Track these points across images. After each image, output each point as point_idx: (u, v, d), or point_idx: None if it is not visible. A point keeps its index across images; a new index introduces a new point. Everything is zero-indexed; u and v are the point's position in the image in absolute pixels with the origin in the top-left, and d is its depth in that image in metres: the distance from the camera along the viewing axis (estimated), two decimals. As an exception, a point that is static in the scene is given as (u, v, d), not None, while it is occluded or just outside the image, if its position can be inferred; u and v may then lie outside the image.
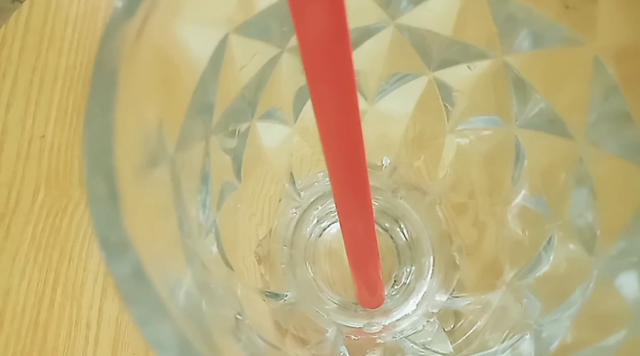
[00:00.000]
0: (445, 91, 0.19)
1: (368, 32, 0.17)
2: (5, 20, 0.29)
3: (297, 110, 0.19)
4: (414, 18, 0.17)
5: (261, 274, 0.21)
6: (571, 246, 0.15)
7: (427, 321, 0.20)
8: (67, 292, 0.24)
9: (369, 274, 0.18)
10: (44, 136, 0.27)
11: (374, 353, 0.20)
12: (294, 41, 0.15)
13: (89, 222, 0.25)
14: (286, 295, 0.20)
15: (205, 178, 0.14)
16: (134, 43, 0.09)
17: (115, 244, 0.07)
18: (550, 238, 0.16)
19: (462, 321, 0.19)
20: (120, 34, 0.08)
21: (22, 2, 0.30)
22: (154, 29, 0.10)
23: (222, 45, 0.13)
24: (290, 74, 0.16)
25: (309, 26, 0.09)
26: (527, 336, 0.15)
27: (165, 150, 0.10)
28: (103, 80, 0.08)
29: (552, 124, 0.16)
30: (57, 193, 0.26)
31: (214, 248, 0.16)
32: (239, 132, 0.17)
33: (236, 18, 0.13)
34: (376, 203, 0.24)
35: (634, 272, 0.12)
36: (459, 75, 0.18)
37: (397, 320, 0.21)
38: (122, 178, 0.08)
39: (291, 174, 0.22)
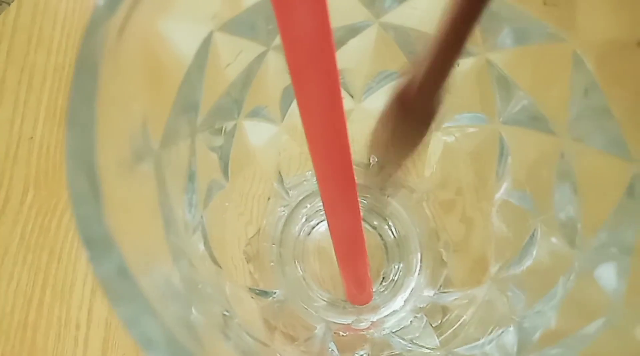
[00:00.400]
0: (430, 89, 0.19)
1: (353, 31, 0.17)
2: (-7, 20, 0.29)
3: (284, 108, 0.19)
4: (399, 16, 0.17)
5: (250, 272, 0.21)
6: (554, 240, 0.15)
7: (415, 317, 0.20)
8: (57, 293, 0.24)
9: (357, 271, 0.19)
10: (32, 138, 0.27)
11: (362, 350, 0.20)
12: (279, 39, 0.16)
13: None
14: (275, 293, 0.21)
15: (191, 176, 0.14)
16: (116, 39, 0.09)
17: (98, 243, 0.07)
18: (533, 233, 0.16)
19: (448, 316, 0.19)
20: (102, 29, 0.08)
21: (9, 4, 0.30)
22: (138, 25, 0.10)
23: (207, 42, 0.13)
24: (277, 72, 0.16)
25: (292, 25, 0.10)
26: (511, 328, 0.15)
27: (150, 147, 0.10)
28: (84, 76, 0.08)
29: (534, 120, 0.16)
30: (46, 193, 0.26)
31: (201, 246, 0.16)
32: (225, 130, 0.17)
33: (222, 15, 0.13)
34: (364, 202, 0.24)
35: (613, 263, 0.12)
36: (444, 73, 0.18)
37: (385, 316, 0.21)
38: (105, 175, 0.08)
39: (279, 173, 0.22)
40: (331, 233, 0.16)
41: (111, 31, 0.09)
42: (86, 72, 0.08)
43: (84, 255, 0.25)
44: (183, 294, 0.10)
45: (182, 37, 0.12)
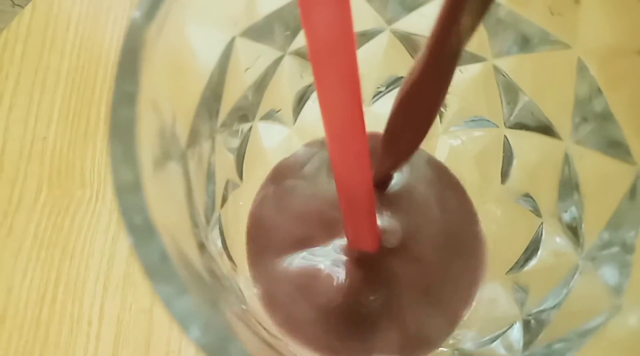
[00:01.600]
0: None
1: (365, 37, 0.18)
2: (6, 23, 0.30)
3: (297, 111, 0.20)
4: (409, 23, 0.17)
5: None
6: (558, 240, 0.16)
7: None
8: (69, 290, 0.25)
9: (361, 214, 0.18)
10: (45, 138, 0.28)
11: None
12: (295, 44, 0.16)
13: (90, 221, 0.26)
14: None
15: (211, 176, 0.15)
16: (152, 45, 0.10)
17: (142, 230, 0.08)
18: (538, 233, 0.17)
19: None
20: (140, 37, 0.09)
21: (23, 7, 0.31)
22: (170, 32, 0.10)
23: (230, 47, 0.13)
24: (291, 76, 0.17)
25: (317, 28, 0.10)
26: (517, 325, 0.15)
27: (178, 146, 0.11)
28: (126, 79, 0.09)
29: (539, 124, 0.17)
30: (59, 192, 0.27)
31: (219, 243, 0.17)
32: (242, 131, 0.17)
33: (243, 22, 0.13)
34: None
35: (616, 261, 0.13)
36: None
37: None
38: (143, 169, 0.09)
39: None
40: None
41: (149, 38, 0.09)
42: (128, 75, 0.09)
43: (96, 253, 0.25)
44: (209, 284, 0.11)
45: (207, 42, 0.12)
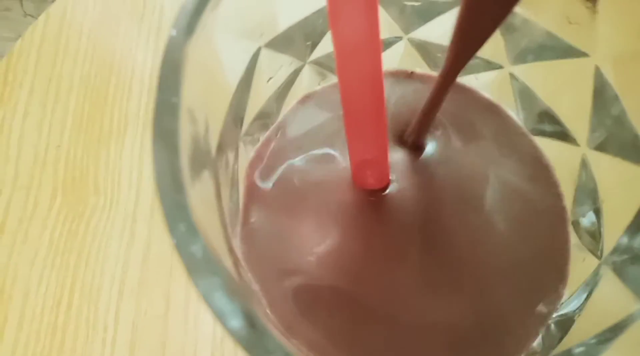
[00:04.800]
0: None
1: (382, 45, 0.18)
2: (18, 33, 0.30)
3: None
4: (425, 32, 0.18)
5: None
6: (577, 245, 0.16)
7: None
8: (85, 296, 0.25)
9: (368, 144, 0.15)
10: (59, 145, 0.28)
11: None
12: (315, 54, 0.17)
13: (105, 227, 0.26)
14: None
15: (235, 183, 0.15)
16: (190, 57, 0.10)
17: (185, 230, 0.08)
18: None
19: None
20: (180, 50, 0.09)
21: (35, 17, 0.31)
22: (203, 44, 0.11)
23: (255, 58, 0.14)
24: (310, 85, 0.17)
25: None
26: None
27: (210, 154, 0.11)
28: (169, 89, 0.09)
29: (555, 130, 0.17)
30: (73, 199, 0.27)
31: (239, 252, 0.17)
32: (260, 140, 0.17)
33: (268, 33, 0.14)
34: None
35: (636, 265, 0.13)
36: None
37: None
38: (184, 176, 0.09)
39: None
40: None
41: (188, 52, 0.10)
42: (170, 87, 0.09)
43: (110, 258, 0.26)
44: (240, 286, 0.11)
45: (236, 53, 0.13)
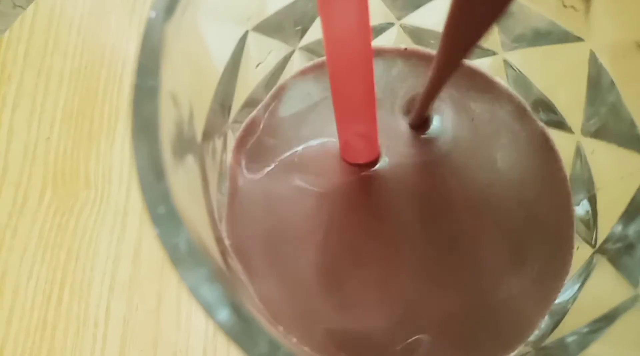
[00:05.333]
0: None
1: (375, 32, 0.18)
2: (7, 25, 0.30)
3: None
4: (418, 18, 0.17)
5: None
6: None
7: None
8: (75, 291, 0.25)
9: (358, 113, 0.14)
10: (49, 138, 0.27)
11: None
12: (305, 40, 0.16)
13: (95, 222, 0.26)
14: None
15: (224, 173, 0.15)
16: (170, 39, 0.09)
17: (167, 220, 0.08)
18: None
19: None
20: (159, 35, 0.09)
21: (24, 8, 0.31)
22: (185, 26, 0.10)
23: (242, 42, 0.13)
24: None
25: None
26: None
27: (195, 140, 0.11)
28: (147, 72, 0.09)
29: (550, 118, 0.17)
30: (63, 193, 0.26)
31: (227, 241, 0.17)
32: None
33: (255, 17, 0.13)
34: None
35: (630, 253, 0.13)
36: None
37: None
38: (166, 161, 0.08)
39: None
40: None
41: (167, 34, 0.09)
42: (149, 70, 0.09)
43: (101, 253, 0.25)
44: (228, 277, 0.11)
45: (221, 36, 0.12)
